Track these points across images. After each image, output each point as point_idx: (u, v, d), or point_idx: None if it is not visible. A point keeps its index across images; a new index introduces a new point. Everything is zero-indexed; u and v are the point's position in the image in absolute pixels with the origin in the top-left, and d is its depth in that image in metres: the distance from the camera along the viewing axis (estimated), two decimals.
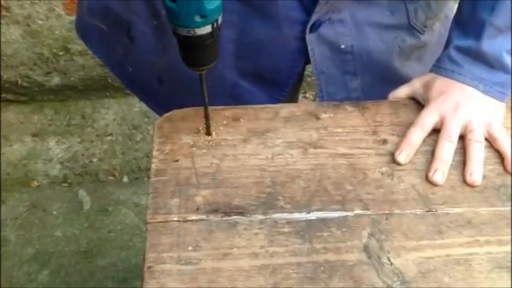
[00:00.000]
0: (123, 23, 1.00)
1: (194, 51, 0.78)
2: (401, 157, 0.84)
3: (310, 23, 0.94)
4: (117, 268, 1.91)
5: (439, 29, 1.06)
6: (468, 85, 0.89)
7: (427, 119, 0.87)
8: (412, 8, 0.99)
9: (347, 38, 0.97)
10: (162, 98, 1.07)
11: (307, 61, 1.00)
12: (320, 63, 0.98)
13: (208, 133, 0.87)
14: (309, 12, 0.93)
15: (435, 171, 0.82)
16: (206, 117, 0.86)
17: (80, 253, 1.94)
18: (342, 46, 0.98)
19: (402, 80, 1.00)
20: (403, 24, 1.00)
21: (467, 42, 0.90)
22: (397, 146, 0.86)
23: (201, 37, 0.75)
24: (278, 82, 1.02)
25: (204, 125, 0.87)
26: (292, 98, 1.17)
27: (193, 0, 0.72)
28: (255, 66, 1.00)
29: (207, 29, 0.75)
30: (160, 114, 0.99)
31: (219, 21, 0.76)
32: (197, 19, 0.73)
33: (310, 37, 0.95)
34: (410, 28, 1.01)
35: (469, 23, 0.91)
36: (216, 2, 0.74)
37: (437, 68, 0.92)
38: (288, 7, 0.93)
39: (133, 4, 0.97)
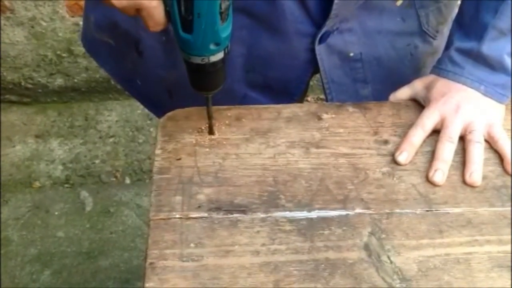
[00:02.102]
0: (132, 38, 1.01)
1: (205, 77, 0.80)
2: (402, 157, 0.85)
3: (319, 35, 0.94)
4: (119, 269, 1.92)
5: (446, 32, 1.05)
6: (469, 86, 0.89)
7: (428, 120, 0.88)
8: (424, 14, 1.00)
9: (356, 46, 0.98)
10: (169, 108, 1.04)
11: (316, 70, 1.00)
12: (330, 72, 0.99)
13: (210, 130, 0.88)
14: (318, 24, 0.94)
15: (435, 171, 0.83)
16: (210, 129, 0.88)
17: (82, 254, 1.95)
18: (351, 54, 0.98)
19: None
20: (415, 30, 1.01)
21: (469, 44, 0.90)
22: (398, 146, 0.86)
23: (214, 63, 0.77)
24: (287, 92, 1.03)
25: (207, 125, 0.88)
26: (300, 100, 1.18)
27: (209, 30, 0.72)
28: (264, 78, 1.01)
29: (220, 56, 0.76)
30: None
31: (229, 46, 0.77)
32: (212, 47, 0.75)
33: (319, 48, 0.96)
34: (423, 34, 1.02)
35: (471, 25, 0.91)
36: (229, 29, 0.75)
37: (438, 69, 0.93)
38: (297, 21, 0.93)
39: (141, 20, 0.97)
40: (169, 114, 0.90)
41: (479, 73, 0.89)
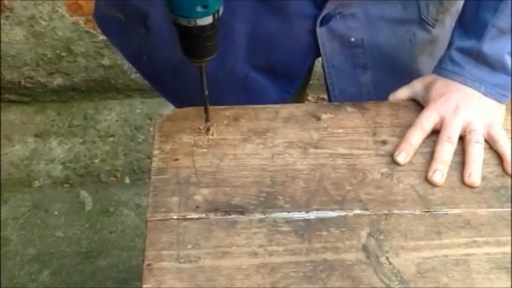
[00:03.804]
0: (140, 13, 1.01)
1: (194, 42, 0.78)
2: (401, 158, 0.84)
3: (320, 17, 0.95)
4: (118, 268, 1.91)
5: (450, 23, 1.05)
6: (469, 86, 0.89)
7: (427, 120, 0.87)
8: (424, 3, 1.00)
9: (357, 32, 0.98)
10: (176, 89, 1.08)
11: (318, 55, 1.00)
12: (331, 57, 0.99)
13: (208, 129, 0.87)
14: (320, 6, 0.94)
15: (434, 171, 0.83)
16: (206, 110, 0.87)
17: (81, 254, 1.95)
18: (352, 39, 0.98)
19: (413, 75, 1.00)
20: (415, 18, 1.00)
21: (469, 43, 0.90)
22: (397, 146, 0.86)
23: (202, 28, 0.75)
24: (289, 75, 1.03)
25: (205, 125, 0.88)
26: (301, 92, 1.18)
27: None
28: (267, 59, 1.01)
29: (208, 20, 0.75)
30: (175, 105, 1.04)
31: (220, 12, 0.76)
32: (199, 9, 0.74)
33: (320, 31, 0.96)
34: (421, 22, 1.01)
35: (471, 23, 0.91)
36: None
37: (439, 69, 0.92)
38: (299, 2, 0.94)
39: None
40: (167, 114, 0.90)
41: (480, 73, 0.89)
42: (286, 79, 1.03)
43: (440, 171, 0.83)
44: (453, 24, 1.02)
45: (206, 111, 0.87)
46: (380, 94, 0.99)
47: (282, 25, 0.96)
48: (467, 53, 0.90)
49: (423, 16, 1.00)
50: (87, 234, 2.00)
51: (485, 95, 0.89)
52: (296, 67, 1.03)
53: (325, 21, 0.95)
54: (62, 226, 2.01)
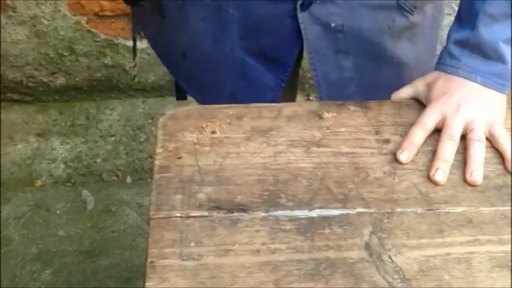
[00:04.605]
0: (158, 3, 1.06)
1: None
2: (403, 157, 0.85)
3: (300, 1, 0.96)
4: (120, 268, 1.92)
5: (431, 12, 1.06)
6: (466, 78, 0.89)
7: (429, 119, 0.88)
8: None
9: (338, 17, 0.99)
10: (186, 72, 1.13)
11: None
12: (312, 42, 1.00)
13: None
14: None
15: (436, 170, 0.83)
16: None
17: (83, 253, 1.95)
18: (333, 25, 0.99)
19: (393, 60, 1.02)
20: (393, 4, 1.01)
21: (463, 34, 0.90)
22: (399, 145, 0.86)
23: None
24: (280, 61, 1.05)
25: (208, 125, 0.88)
26: (292, 86, 1.22)
27: None
28: (258, 44, 1.03)
29: None
30: (183, 87, 1.13)
31: None
32: None
33: (302, 16, 0.97)
34: (400, 9, 1.01)
35: (465, 15, 0.91)
36: None
37: (438, 64, 0.93)
38: None
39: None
40: (169, 113, 0.90)
41: (474, 63, 0.89)
42: (278, 65, 1.05)
43: (442, 170, 0.83)
44: (435, 13, 1.05)
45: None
46: (362, 79, 1.02)
47: (269, 10, 0.98)
48: (463, 45, 0.90)
49: (400, 3, 1.01)
50: (89, 234, 2.00)
51: (484, 85, 0.89)
52: (285, 53, 1.04)
53: (305, 6, 0.96)
54: (64, 225, 2.01)
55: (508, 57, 0.89)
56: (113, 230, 2.01)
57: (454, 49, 0.91)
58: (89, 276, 1.90)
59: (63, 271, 1.90)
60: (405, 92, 0.95)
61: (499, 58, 0.89)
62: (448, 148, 0.85)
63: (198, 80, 1.10)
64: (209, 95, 1.11)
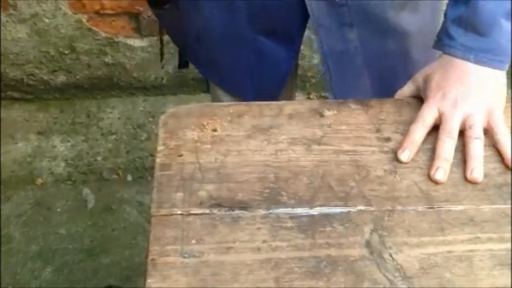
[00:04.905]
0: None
1: None
2: (404, 156, 0.85)
3: None
4: (120, 266, 1.92)
5: None
6: (461, 58, 0.88)
7: (428, 115, 0.87)
8: None
9: None
10: (202, 55, 1.15)
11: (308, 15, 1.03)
12: (318, 17, 1.01)
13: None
14: None
15: (436, 169, 0.83)
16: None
17: (84, 251, 1.95)
18: (337, 0, 1.00)
19: (397, 31, 1.02)
20: None
21: (459, 10, 0.90)
22: (400, 144, 0.86)
23: None
24: (289, 35, 1.07)
25: (209, 122, 0.89)
26: (292, 79, 1.23)
27: None
28: (267, 23, 1.05)
29: None
30: (201, 71, 1.20)
31: None
32: None
33: None
34: None
35: None
36: None
37: (436, 44, 0.93)
38: None
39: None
40: (171, 110, 0.90)
41: (469, 41, 0.88)
42: (288, 39, 1.07)
43: (443, 169, 0.83)
44: None
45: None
46: (368, 51, 1.03)
47: None
48: (458, 23, 0.89)
49: None
50: (89, 232, 2.00)
51: (478, 64, 0.88)
52: (293, 27, 1.06)
53: None
54: (65, 223, 2.01)
55: (508, 31, 0.88)
56: (113, 228, 2.01)
57: (451, 28, 0.90)
58: (90, 274, 1.90)
59: (64, 269, 1.91)
60: (407, 89, 0.95)
61: (494, 33, 0.87)
62: (448, 146, 0.85)
63: (213, 61, 1.13)
64: (226, 74, 1.14)
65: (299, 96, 2.25)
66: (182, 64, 1.26)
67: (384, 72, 1.09)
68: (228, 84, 1.16)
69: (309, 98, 2.31)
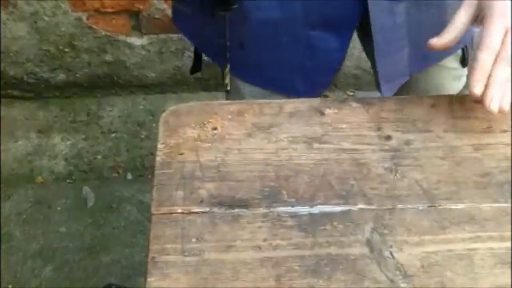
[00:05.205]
0: (206, 1, 1.07)
1: None
2: (477, 89, 0.81)
3: None
4: (121, 265, 1.92)
5: None
6: None
7: (495, 38, 0.81)
8: None
9: None
10: (244, 62, 1.13)
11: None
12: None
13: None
14: None
15: (491, 99, 0.80)
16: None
17: (84, 250, 1.95)
18: None
19: (439, 2, 1.03)
20: None
21: None
22: (470, 77, 0.81)
23: None
24: (344, 23, 1.06)
25: (209, 121, 0.88)
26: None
27: None
28: (322, 14, 1.03)
29: None
30: (244, 80, 1.15)
31: None
32: None
33: None
34: None
35: None
36: None
37: None
38: None
39: None
40: (171, 108, 0.90)
41: None
42: (341, 28, 1.06)
43: (498, 96, 0.80)
44: None
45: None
46: (411, 23, 1.03)
47: None
48: None
49: None
50: (90, 230, 2.00)
51: None
52: (347, 14, 1.05)
53: None
54: (65, 222, 2.02)
55: None
56: (114, 227, 2.01)
57: None
58: (90, 273, 1.90)
59: (64, 267, 1.91)
60: (464, 13, 0.87)
61: None
62: (504, 72, 0.81)
63: (259, 64, 1.12)
64: (275, 74, 1.13)
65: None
66: (196, 69, 1.25)
67: (423, 44, 1.09)
68: (277, 84, 1.14)
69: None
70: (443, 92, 1.23)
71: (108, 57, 2.22)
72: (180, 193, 0.80)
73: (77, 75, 2.26)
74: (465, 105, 0.91)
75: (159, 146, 0.85)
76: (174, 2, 1.22)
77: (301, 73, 1.11)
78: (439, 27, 0.97)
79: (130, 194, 2.09)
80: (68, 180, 2.14)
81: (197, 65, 1.26)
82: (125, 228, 2.01)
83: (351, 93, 2.35)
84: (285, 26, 1.05)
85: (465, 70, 1.23)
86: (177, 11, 1.22)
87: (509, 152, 0.86)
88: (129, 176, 2.16)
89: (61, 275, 1.89)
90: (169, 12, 2.09)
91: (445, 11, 1.07)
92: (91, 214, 2.04)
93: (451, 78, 1.25)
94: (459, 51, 1.20)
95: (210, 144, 0.86)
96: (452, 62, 1.21)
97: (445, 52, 0.95)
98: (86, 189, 2.11)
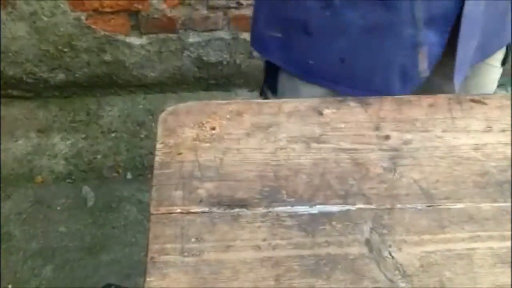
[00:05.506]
0: (300, 23, 1.09)
1: None
2: None
3: None
4: (120, 264, 1.92)
5: None
6: None
7: None
8: None
9: None
10: (345, 76, 1.14)
11: None
12: None
13: None
14: None
15: None
16: None
17: (84, 249, 1.95)
18: None
19: None
20: None
21: None
22: None
23: None
24: (445, 17, 1.06)
25: (208, 121, 0.88)
26: None
27: None
28: (426, 12, 1.04)
29: None
30: (347, 93, 1.10)
31: None
32: None
33: None
34: None
35: None
36: None
37: None
38: None
39: (304, 3, 1.07)
40: (170, 108, 0.90)
41: None
42: (443, 23, 1.06)
43: None
44: None
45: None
46: (487, 11, 1.05)
47: None
48: None
49: None
50: (89, 230, 2.00)
51: None
52: (451, 8, 1.05)
53: None
54: (65, 221, 2.02)
55: None
56: (113, 226, 2.01)
57: None
58: (90, 272, 1.90)
59: (64, 267, 1.91)
60: None
61: None
62: None
63: (354, 72, 1.12)
64: (374, 81, 1.13)
65: None
66: (271, 85, 1.24)
67: (490, 34, 1.12)
68: (370, 86, 1.14)
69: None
70: (483, 90, 1.25)
71: (107, 57, 2.22)
72: (179, 193, 0.80)
73: (77, 75, 2.26)
74: (464, 105, 0.91)
75: (158, 146, 0.85)
76: (258, 28, 1.21)
77: (400, 72, 1.11)
78: (503, 19, 0.98)
79: (130, 194, 2.09)
80: (68, 180, 2.14)
81: (272, 81, 1.25)
82: (125, 228, 2.01)
83: None
84: (390, 29, 1.06)
85: (500, 71, 1.26)
86: (261, 35, 1.21)
87: (508, 151, 0.86)
88: (129, 176, 2.16)
89: (61, 274, 1.89)
90: (168, 12, 2.09)
91: (508, 3, 1.10)
92: (91, 214, 2.04)
93: (491, 77, 1.27)
94: (504, 49, 1.23)
95: (209, 144, 0.86)
96: (495, 60, 1.24)
97: (500, 44, 1.03)
98: (86, 189, 2.11)
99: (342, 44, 1.09)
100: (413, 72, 1.11)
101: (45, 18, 2.10)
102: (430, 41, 1.07)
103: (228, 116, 0.89)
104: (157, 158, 0.84)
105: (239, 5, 2.13)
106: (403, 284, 0.72)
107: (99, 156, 2.20)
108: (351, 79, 1.13)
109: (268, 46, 1.19)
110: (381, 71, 1.12)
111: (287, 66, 1.19)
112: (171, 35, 2.17)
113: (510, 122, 0.90)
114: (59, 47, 2.18)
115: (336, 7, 1.04)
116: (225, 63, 2.27)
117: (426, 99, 0.92)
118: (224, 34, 2.20)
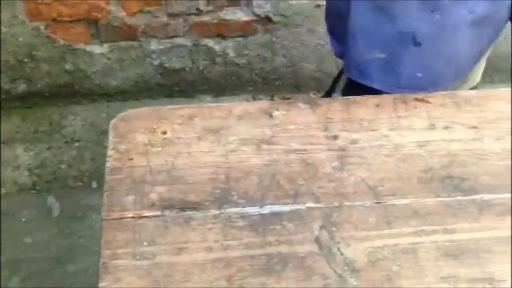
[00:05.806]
0: (407, 35, 1.06)
1: None
2: None
3: None
4: (88, 273, 1.91)
5: None
6: None
7: None
8: None
9: None
10: (449, 77, 1.12)
11: None
12: None
13: None
14: None
15: None
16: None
17: (51, 260, 1.94)
18: None
19: None
20: None
21: None
22: None
23: None
24: (500, 16, 1.09)
25: (159, 125, 0.89)
26: None
27: None
28: (471, 12, 1.05)
29: None
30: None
31: None
32: None
33: None
34: None
35: None
36: None
37: None
38: None
39: (412, 12, 1.05)
40: (121, 115, 0.91)
41: None
42: (494, 21, 1.09)
43: None
44: None
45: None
46: None
47: None
48: None
49: None
50: (55, 240, 1.99)
51: None
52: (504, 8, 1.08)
53: None
54: (31, 232, 2.00)
55: None
56: (80, 236, 2.00)
57: None
58: (58, 283, 1.89)
59: (31, 278, 1.89)
60: None
61: None
62: None
63: (465, 72, 1.16)
64: (446, 67, 1.12)
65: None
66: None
67: None
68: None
69: (271, 99, 2.32)
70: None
71: (69, 66, 2.21)
72: (131, 197, 0.81)
73: (38, 85, 2.25)
74: (408, 104, 0.94)
75: (109, 152, 0.86)
76: (358, 54, 1.16)
77: (454, 68, 1.13)
78: None
79: (95, 203, 2.08)
80: (32, 191, 2.12)
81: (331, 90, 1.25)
82: (91, 237, 2.00)
83: (314, 95, 2.37)
84: (494, 19, 1.08)
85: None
86: (360, 61, 1.15)
87: (450, 147, 0.89)
88: (94, 185, 2.15)
89: (28, 285, 1.88)
90: (127, 20, 2.09)
91: None
92: (57, 224, 2.03)
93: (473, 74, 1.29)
94: None
95: (160, 149, 0.87)
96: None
97: None
98: (50, 199, 2.09)
99: (451, 44, 1.08)
100: (463, 66, 1.14)
101: (3, 29, 2.08)
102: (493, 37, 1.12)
103: (179, 120, 0.91)
104: (108, 164, 0.85)
105: (200, 12, 2.13)
106: (352, 279, 0.74)
107: (63, 166, 2.18)
108: (455, 78, 1.14)
109: (369, 71, 1.13)
110: (473, 63, 1.16)
111: (390, 88, 1.12)
112: (132, 42, 2.16)
113: (452, 120, 0.92)
114: (19, 58, 2.16)
115: (445, 7, 1.03)
116: (187, 69, 2.28)
117: (372, 99, 0.94)
118: (185, 41, 2.20)
